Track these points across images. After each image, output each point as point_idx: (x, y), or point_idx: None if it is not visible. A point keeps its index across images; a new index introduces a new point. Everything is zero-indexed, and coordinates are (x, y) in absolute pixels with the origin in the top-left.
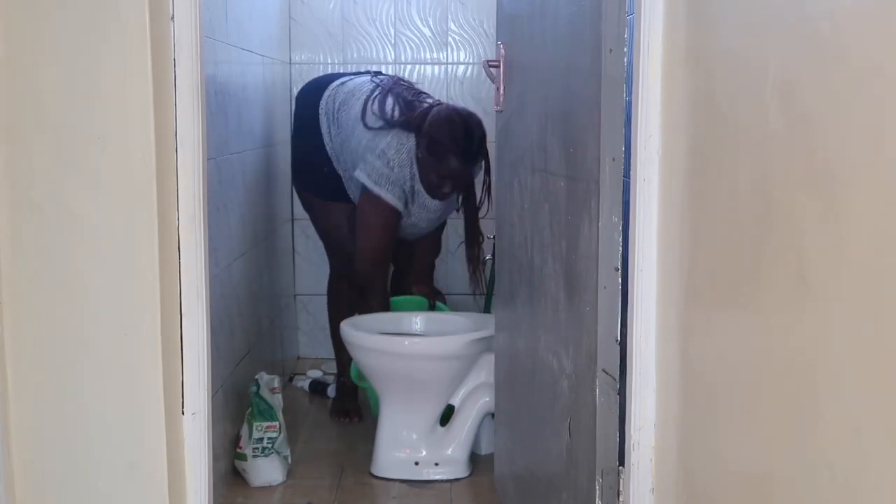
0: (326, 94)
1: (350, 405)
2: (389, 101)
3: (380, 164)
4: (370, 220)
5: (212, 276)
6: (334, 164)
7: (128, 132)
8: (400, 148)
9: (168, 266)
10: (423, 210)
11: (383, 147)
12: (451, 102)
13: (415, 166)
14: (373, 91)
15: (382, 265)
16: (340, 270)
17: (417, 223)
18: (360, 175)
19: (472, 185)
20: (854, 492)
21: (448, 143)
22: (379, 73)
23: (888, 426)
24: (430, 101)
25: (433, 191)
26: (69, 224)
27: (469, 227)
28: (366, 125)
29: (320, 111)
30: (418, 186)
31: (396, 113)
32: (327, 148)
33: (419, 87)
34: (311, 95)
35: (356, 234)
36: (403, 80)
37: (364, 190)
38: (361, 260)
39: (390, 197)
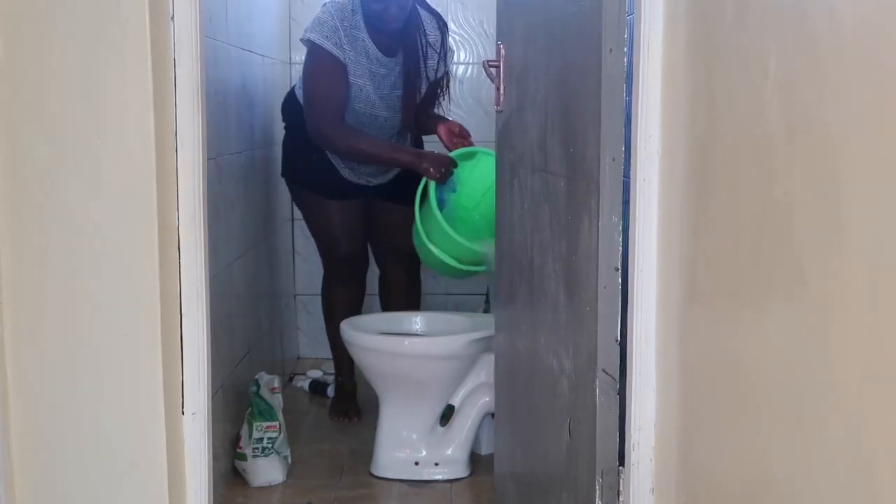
0: None
1: (349, 405)
2: None
3: (319, 13)
4: (307, 71)
5: (212, 276)
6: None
7: (128, 132)
8: None
9: (168, 266)
10: (375, 79)
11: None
12: None
13: (359, 15)
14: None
15: (336, 119)
16: (335, 271)
17: (374, 103)
18: (304, 34)
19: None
20: (854, 492)
21: None
22: None
23: (888, 426)
24: None
25: (379, 21)
26: (69, 224)
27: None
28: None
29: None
30: (363, 36)
31: None
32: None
33: None
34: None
35: (304, 97)
36: None
37: (307, 48)
38: (312, 116)
39: (320, 38)
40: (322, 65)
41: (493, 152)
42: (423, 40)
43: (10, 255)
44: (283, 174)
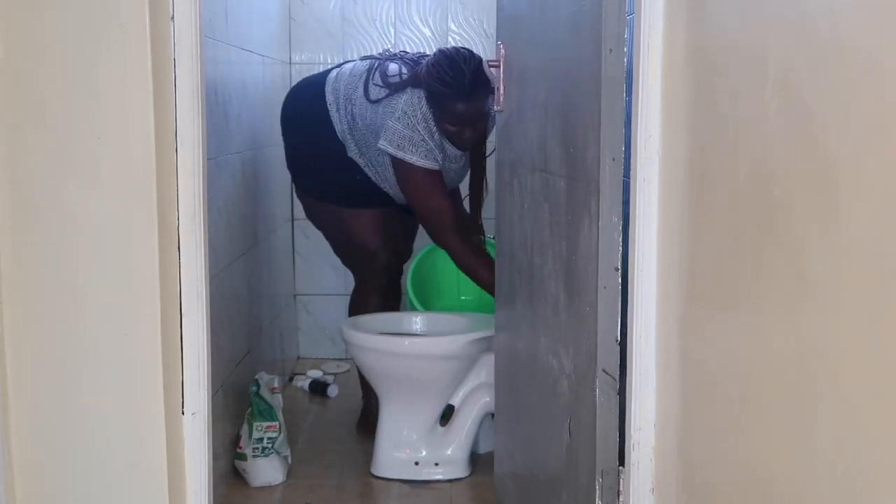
0: (329, 88)
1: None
2: (392, 66)
3: (400, 127)
4: (412, 187)
5: (212, 276)
6: (353, 156)
7: (128, 132)
8: (414, 106)
9: (168, 266)
10: (454, 162)
11: (401, 109)
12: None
13: (431, 121)
14: (371, 65)
15: (450, 223)
16: (373, 281)
17: (450, 176)
18: (384, 145)
19: (486, 122)
20: (854, 492)
21: (443, 87)
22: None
23: (888, 426)
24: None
25: (455, 140)
26: (69, 224)
27: (475, 169)
28: (369, 98)
29: (329, 108)
30: (441, 139)
31: (404, 73)
32: (345, 143)
33: (421, 51)
34: (310, 96)
35: (412, 205)
36: (403, 50)
37: (394, 160)
38: (431, 228)
39: (418, 158)
40: (422, 177)
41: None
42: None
43: (10, 255)
44: (317, 197)
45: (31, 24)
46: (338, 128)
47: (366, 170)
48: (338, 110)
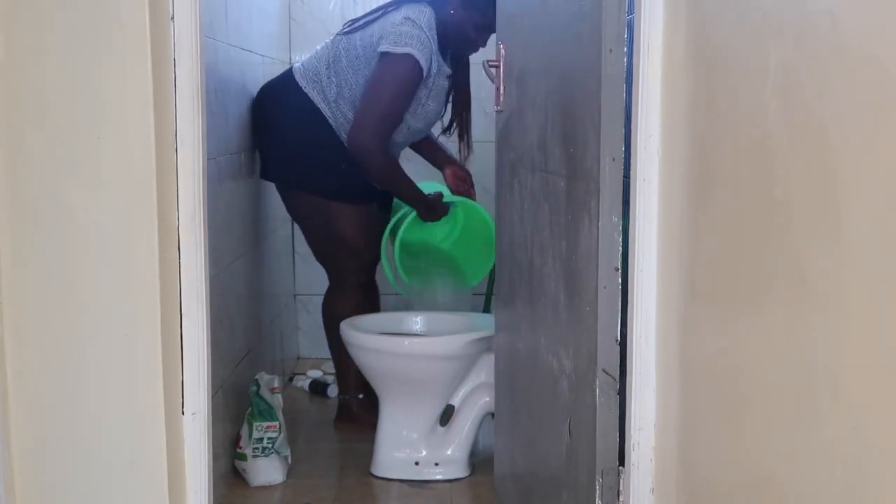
0: (299, 77)
1: (356, 417)
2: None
3: (407, 28)
4: (386, 78)
5: (212, 276)
6: (342, 131)
7: (128, 132)
8: (420, 12)
9: (168, 266)
10: (432, 93)
11: (403, 16)
12: None
13: (434, 31)
14: (335, 38)
15: (386, 136)
16: (355, 278)
17: (422, 117)
18: (385, 46)
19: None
20: (855, 492)
21: None
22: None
23: (888, 426)
24: None
25: (466, 46)
26: (69, 224)
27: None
28: (354, 28)
29: (308, 93)
30: (437, 51)
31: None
32: (335, 119)
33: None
34: (283, 93)
35: (363, 99)
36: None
37: (385, 56)
38: (365, 128)
39: (419, 54)
40: (406, 77)
41: (482, 209)
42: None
43: (10, 255)
44: (296, 186)
45: (31, 24)
46: (324, 109)
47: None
48: (320, 92)
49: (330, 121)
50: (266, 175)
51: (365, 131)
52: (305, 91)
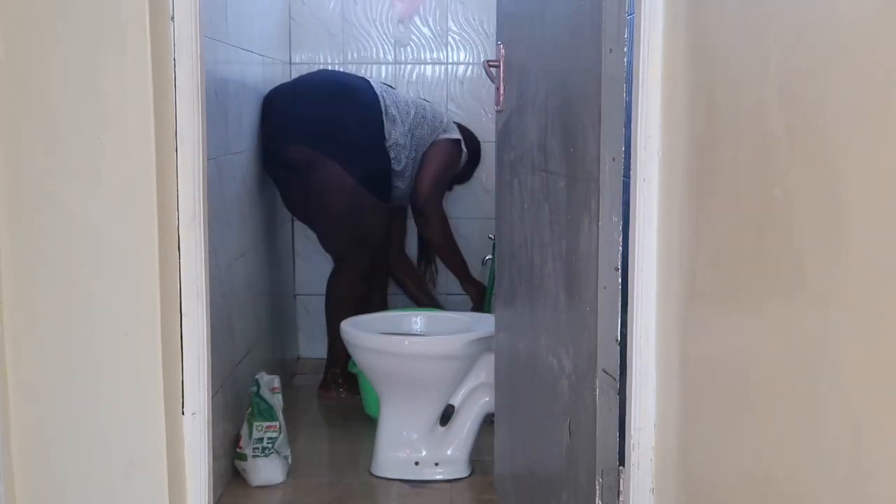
0: (378, 91)
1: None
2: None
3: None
4: (444, 156)
5: (212, 276)
6: (392, 158)
7: (128, 132)
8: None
9: (168, 266)
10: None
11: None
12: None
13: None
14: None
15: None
16: (366, 270)
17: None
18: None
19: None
20: (855, 492)
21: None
22: (390, 85)
23: (888, 426)
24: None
25: (456, 179)
26: (69, 224)
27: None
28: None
29: (384, 111)
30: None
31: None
32: (389, 144)
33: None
34: (357, 87)
35: (424, 174)
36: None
37: (437, 142)
38: (431, 191)
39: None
40: (457, 160)
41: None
42: None
43: (10, 255)
44: (332, 154)
45: (31, 24)
46: (390, 130)
47: (394, 161)
48: (394, 121)
49: (385, 134)
50: (299, 142)
51: (430, 197)
52: (379, 102)
